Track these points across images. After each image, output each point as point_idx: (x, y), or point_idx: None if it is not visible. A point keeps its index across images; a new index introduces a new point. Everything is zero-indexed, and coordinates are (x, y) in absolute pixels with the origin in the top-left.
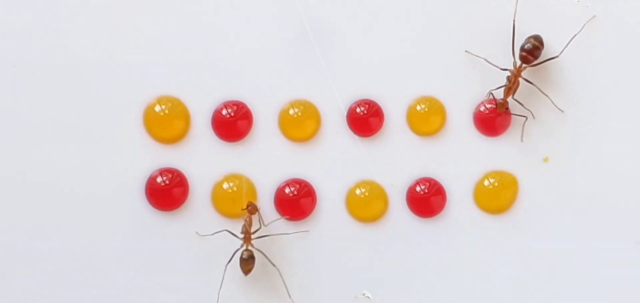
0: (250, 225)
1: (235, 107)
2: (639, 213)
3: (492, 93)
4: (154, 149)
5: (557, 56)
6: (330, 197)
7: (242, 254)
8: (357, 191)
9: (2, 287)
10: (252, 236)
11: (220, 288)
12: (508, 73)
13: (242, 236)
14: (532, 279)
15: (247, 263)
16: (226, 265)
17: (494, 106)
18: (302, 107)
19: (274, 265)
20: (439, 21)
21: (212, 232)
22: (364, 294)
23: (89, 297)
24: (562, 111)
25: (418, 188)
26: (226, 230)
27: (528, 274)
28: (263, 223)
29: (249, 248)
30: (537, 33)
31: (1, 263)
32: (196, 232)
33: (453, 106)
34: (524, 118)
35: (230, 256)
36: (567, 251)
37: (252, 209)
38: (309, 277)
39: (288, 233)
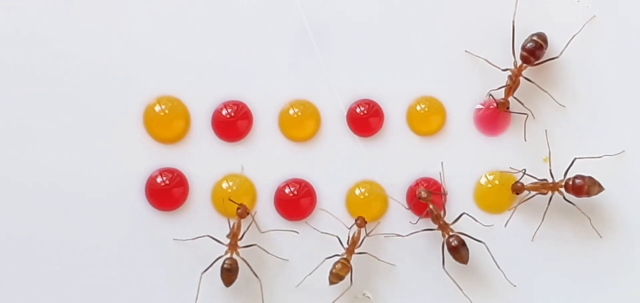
0: (238, 229)
1: (235, 107)
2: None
3: (491, 95)
4: (154, 149)
5: (557, 56)
6: (330, 197)
7: (223, 263)
8: (357, 191)
9: (1, 287)
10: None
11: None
12: (509, 72)
13: (227, 242)
14: (532, 279)
15: (229, 274)
16: (201, 274)
17: (495, 106)
18: (302, 107)
19: (256, 277)
20: (438, 21)
21: (194, 236)
22: (364, 294)
23: (89, 297)
24: (564, 106)
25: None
26: (208, 236)
27: (528, 274)
28: (258, 230)
29: (234, 256)
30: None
31: (1, 263)
32: (173, 239)
33: (453, 106)
34: (525, 116)
35: (210, 263)
36: (567, 251)
37: (243, 212)
38: (309, 277)
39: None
